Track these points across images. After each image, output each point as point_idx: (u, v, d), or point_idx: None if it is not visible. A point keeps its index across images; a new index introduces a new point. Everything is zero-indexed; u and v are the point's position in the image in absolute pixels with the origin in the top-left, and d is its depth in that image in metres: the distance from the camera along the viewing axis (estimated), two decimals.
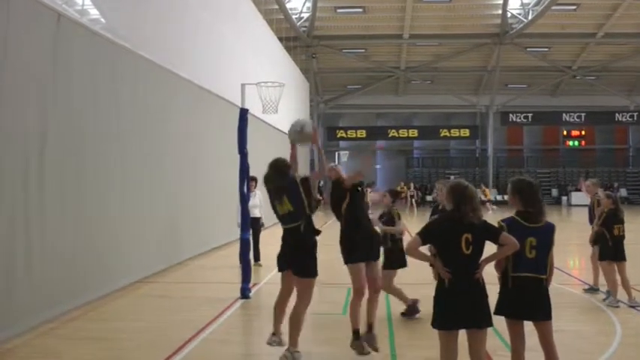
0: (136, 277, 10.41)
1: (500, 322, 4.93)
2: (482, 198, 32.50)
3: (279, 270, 6.23)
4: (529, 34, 35.21)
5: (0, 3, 6.92)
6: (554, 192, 42.45)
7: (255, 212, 12.21)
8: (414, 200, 35.16)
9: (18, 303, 7.07)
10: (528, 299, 4.78)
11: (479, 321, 4.57)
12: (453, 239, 4.55)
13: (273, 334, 6.26)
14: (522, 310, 4.79)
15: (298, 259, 5.99)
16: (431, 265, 5.15)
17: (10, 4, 7.03)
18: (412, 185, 37.11)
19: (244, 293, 9.33)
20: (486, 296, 4.61)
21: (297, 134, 6.56)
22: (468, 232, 4.53)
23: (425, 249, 4.89)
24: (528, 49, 37.91)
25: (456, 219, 4.59)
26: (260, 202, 12.38)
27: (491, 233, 4.65)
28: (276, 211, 6.12)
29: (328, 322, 7.90)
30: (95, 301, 8.89)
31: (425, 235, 4.64)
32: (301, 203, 5.95)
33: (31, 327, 7.25)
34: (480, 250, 4.59)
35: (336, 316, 8.21)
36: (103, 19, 9.80)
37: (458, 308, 4.52)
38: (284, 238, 6.12)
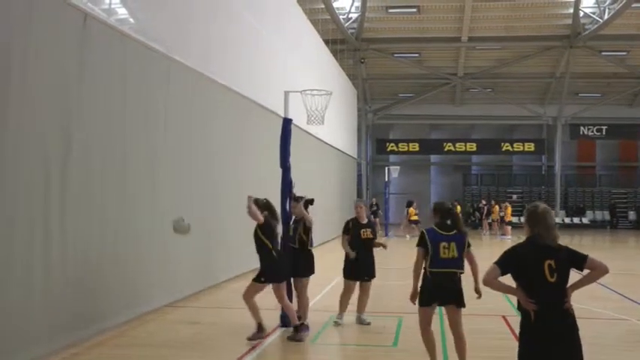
0: (167, 301, 10.48)
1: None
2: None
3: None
4: (604, 35, 34.50)
5: (23, 2, 7.11)
6: (632, 215, 41.35)
7: None
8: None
9: (35, 325, 7.16)
10: None
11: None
12: (534, 266, 4.54)
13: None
14: None
15: None
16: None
17: (33, 4, 7.22)
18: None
19: (284, 321, 9.29)
20: (577, 329, 4.57)
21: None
22: (550, 258, 4.52)
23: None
24: (603, 53, 37.18)
25: (535, 244, 4.61)
26: None
27: (576, 258, 4.62)
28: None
29: (376, 356, 7.79)
30: (122, 325, 8.97)
31: (503, 264, 4.61)
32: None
33: (50, 352, 7.34)
34: (565, 277, 4.57)
35: (386, 348, 8.12)
36: (131, 20, 9.98)
37: (547, 345, 4.48)
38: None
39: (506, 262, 4.61)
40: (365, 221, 9.50)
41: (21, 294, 6.92)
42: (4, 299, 6.66)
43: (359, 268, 9.29)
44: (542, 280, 4.49)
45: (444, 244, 6.58)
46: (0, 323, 6.60)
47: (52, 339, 7.40)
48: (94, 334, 8.27)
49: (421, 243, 6.66)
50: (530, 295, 4.53)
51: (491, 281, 4.58)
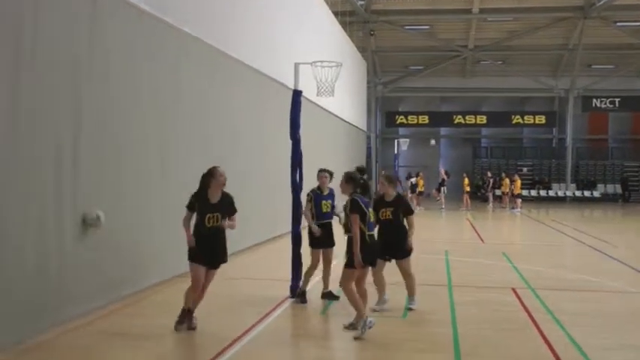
0: (178, 271, 10.60)
1: None
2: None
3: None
4: (619, 5, 34.08)
5: None
6: None
7: None
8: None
9: (49, 296, 7.38)
10: None
11: None
12: None
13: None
14: None
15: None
16: None
17: None
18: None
19: (294, 292, 9.43)
20: None
21: None
22: None
23: None
24: (617, 24, 36.82)
25: None
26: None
27: None
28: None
29: (385, 327, 7.91)
30: (132, 295, 9.18)
31: None
32: None
33: (61, 321, 7.54)
34: None
35: (395, 319, 8.24)
36: None
37: None
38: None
39: None
40: (391, 198, 8.80)
41: (35, 266, 7.08)
42: (19, 276, 6.82)
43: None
44: None
45: (370, 209, 7.56)
46: (9, 301, 6.75)
47: (63, 309, 7.58)
48: (107, 304, 8.47)
49: (358, 209, 7.39)
50: None
51: None
